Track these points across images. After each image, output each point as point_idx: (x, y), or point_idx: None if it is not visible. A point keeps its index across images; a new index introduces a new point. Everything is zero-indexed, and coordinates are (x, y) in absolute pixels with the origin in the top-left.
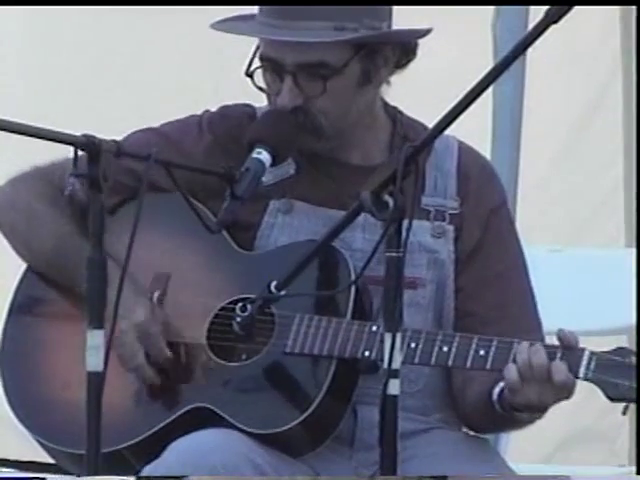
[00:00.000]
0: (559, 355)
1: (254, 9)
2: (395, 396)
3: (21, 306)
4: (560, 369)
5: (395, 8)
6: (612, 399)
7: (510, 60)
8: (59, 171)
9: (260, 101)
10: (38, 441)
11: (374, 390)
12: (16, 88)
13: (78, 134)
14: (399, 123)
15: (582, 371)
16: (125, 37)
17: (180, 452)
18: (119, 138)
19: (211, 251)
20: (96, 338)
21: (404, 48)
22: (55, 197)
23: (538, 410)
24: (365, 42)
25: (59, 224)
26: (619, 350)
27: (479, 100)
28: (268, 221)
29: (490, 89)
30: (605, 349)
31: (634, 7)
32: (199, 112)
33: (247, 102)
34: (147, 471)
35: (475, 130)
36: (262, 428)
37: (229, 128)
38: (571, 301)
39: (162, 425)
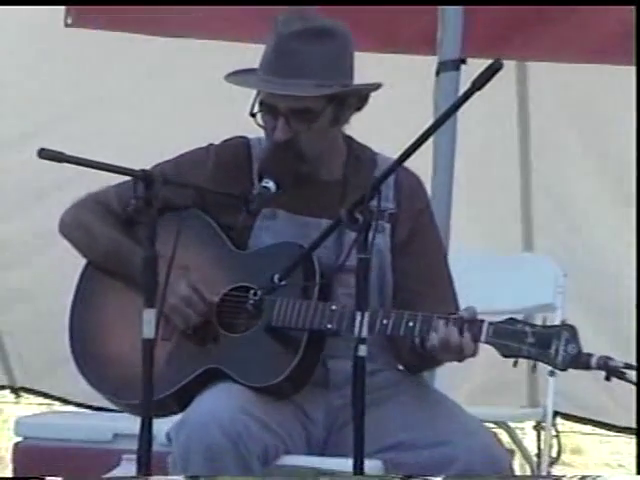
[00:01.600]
0: (466, 326)
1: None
2: (363, 357)
3: (85, 289)
4: (468, 344)
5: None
6: (505, 356)
7: (446, 117)
8: (108, 195)
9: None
10: (108, 399)
11: (339, 348)
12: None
13: (137, 169)
14: (353, 147)
15: (483, 337)
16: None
17: (197, 412)
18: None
19: (215, 251)
20: (149, 314)
21: (362, 97)
22: (103, 213)
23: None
24: (337, 94)
25: (110, 232)
26: (509, 320)
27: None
28: (258, 225)
29: (431, 138)
30: (498, 319)
31: (633, 7)
32: (204, 145)
33: (242, 134)
34: (174, 427)
35: (420, 165)
36: (259, 382)
37: (230, 156)
38: (483, 290)
39: (185, 382)
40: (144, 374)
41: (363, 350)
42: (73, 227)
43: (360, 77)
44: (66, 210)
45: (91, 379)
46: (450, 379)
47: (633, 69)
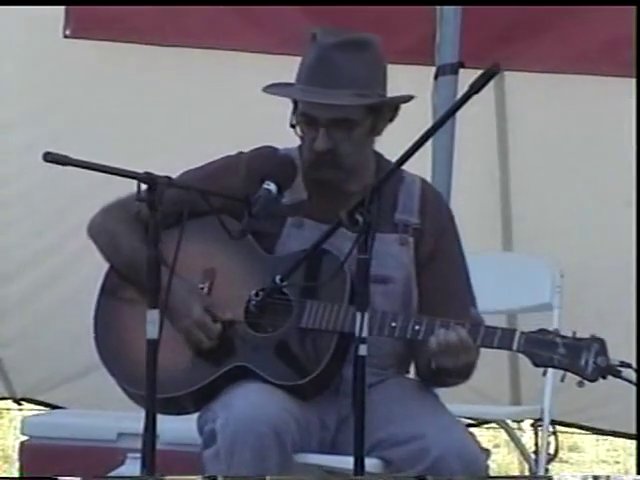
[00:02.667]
0: (499, 333)
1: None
2: (363, 356)
3: (109, 290)
4: (468, 342)
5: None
6: (536, 365)
7: (445, 119)
8: (134, 200)
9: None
10: (121, 386)
11: (351, 355)
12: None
13: (141, 171)
14: (381, 162)
15: (515, 345)
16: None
17: (240, 405)
18: (173, 175)
19: (245, 255)
20: (152, 315)
21: (394, 108)
22: (131, 220)
23: (455, 375)
24: (375, 104)
25: (133, 241)
26: (541, 330)
27: (423, 148)
28: (286, 232)
29: (430, 140)
30: (531, 330)
31: (634, 7)
32: (233, 153)
33: (269, 144)
34: (220, 421)
35: (419, 168)
36: (285, 381)
37: (261, 165)
38: (480, 290)
39: (213, 378)
40: (148, 375)
41: (363, 350)
42: (100, 233)
43: None
44: (95, 214)
45: (116, 372)
46: None
47: (618, 80)
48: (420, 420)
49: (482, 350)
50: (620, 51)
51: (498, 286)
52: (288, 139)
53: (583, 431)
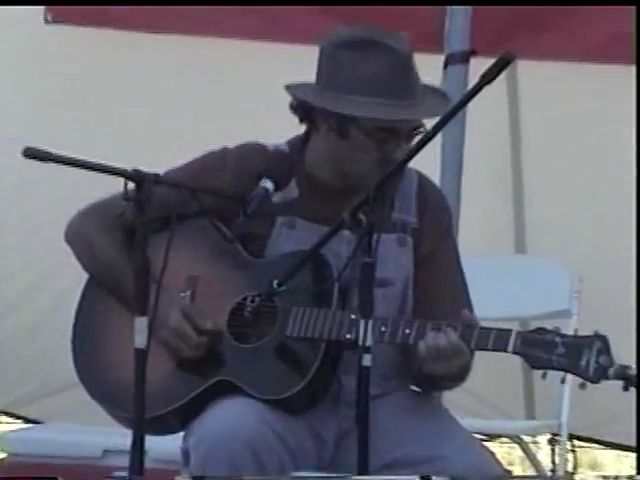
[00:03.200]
0: (493, 334)
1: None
2: (368, 367)
3: (87, 301)
4: (459, 346)
5: None
6: (534, 367)
7: (455, 111)
8: (117, 201)
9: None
10: (105, 409)
11: (353, 363)
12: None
13: (128, 168)
14: None
15: (510, 346)
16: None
17: (214, 424)
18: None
19: (231, 259)
20: (141, 323)
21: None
22: (111, 224)
23: (449, 379)
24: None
25: (112, 247)
26: (539, 330)
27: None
28: (276, 233)
29: (440, 134)
30: (528, 329)
31: (634, 7)
32: (217, 149)
33: (256, 141)
34: (193, 439)
35: (427, 165)
36: (271, 394)
37: (254, 162)
38: (493, 295)
39: (194, 395)
40: (136, 387)
41: (367, 360)
42: (76, 239)
43: None
44: (72, 218)
45: (95, 393)
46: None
47: (630, 69)
48: (437, 439)
49: (493, 360)
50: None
51: (510, 291)
52: (279, 132)
53: (603, 446)
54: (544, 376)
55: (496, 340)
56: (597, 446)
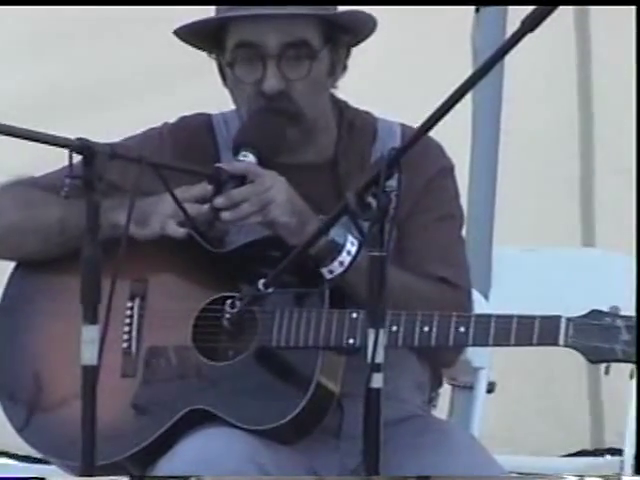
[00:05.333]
0: (537, 325)
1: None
2: (378, 389)
3: (7, 308)
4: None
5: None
6: (593, 361)
7: (489, 66)
8: (55, 179)
9: None
10: (38, 451)
11: (358, 384)
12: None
13: (73, 137)
14: (345, 115)
15: (562, 338)
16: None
17: (187, 458)
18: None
19: (184, 254)
20: (90, 332)
21: (348, 49)
22: (44, 197)
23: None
24: (334, 24)
25: (57, 203)
26: (593, 313)
27: (459, 105)
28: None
29: (469, 95)
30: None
31: (634, 7)
32: (157, 125)
33: (203, 112)
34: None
35: (455, 135)
36: (258, 424)
37: (188, 137)
38: (541, 293)
39: (160, 433)
40: (84, 421)
41: (378, 380)
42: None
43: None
44: None
45: (24, 432)
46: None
47: None
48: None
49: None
50: None
51: (572, 287)
52: None
53: None
54: (607, 371)
55: (542, 332)
56: None
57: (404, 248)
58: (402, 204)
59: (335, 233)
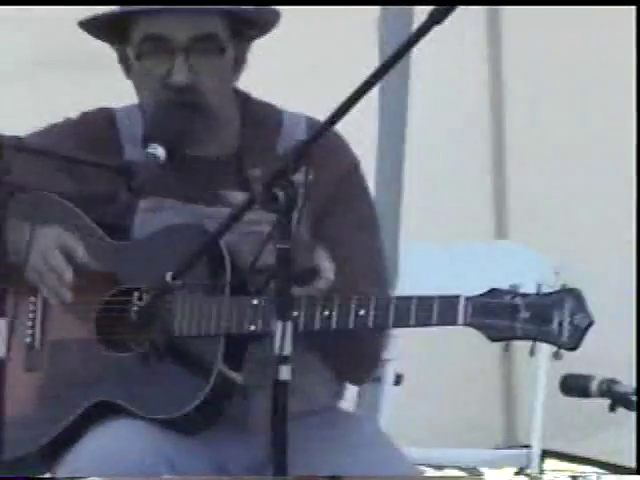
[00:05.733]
0: (436, 304)
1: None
2: (286, 382)
3: None
4: None
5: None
6: (493, 339)
7: (395, 59)
8: None
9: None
10: None
11: (266, 376)
12: None
13: None
14: (248, 107)
15: (460, 317)
16: None
17: (89, 454)
18: None
19: (88, 247)
20: None
21: (260, 27)
22: None
23: None
24: (241, 18)
25: None
26: (493, 292)
27: (365, 98)
28: (139, 220)
29: (376, 88)
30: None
31: (634, 7)
32: (60, 120)
33: (105, 106)
34: (64, 473)
35: (361, 130)
36: (161, 413)
37: (91, 132)
38: (446, 284)
39: (66, 426)
40: None
41: (286, 372)
42: None
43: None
44: None
45: None
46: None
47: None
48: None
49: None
50: None
51: (478, 277)
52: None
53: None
54: (507, 349)
55: (441, 311)
56: (573, 472)
57: (331, 254)
58: (314, 199)
59: None
